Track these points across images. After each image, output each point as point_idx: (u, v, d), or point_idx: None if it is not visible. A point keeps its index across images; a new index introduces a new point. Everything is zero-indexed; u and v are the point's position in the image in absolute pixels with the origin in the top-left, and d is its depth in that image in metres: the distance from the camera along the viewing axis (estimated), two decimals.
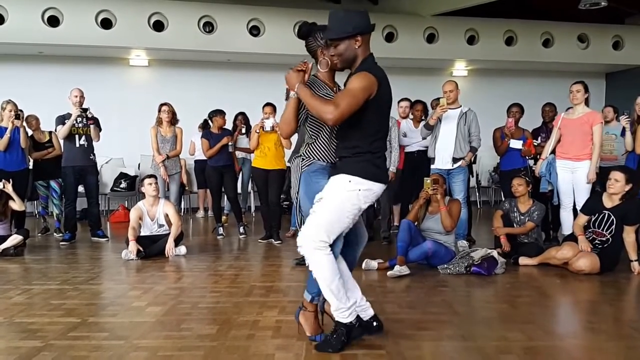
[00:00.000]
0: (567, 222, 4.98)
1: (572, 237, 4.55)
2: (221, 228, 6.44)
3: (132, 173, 8.62)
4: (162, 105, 6.23)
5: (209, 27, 8.44)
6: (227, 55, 8.90)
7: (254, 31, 8.61)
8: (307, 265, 2.65)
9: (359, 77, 2.49)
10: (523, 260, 4.64)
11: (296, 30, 2.83)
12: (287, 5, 8.67)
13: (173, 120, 6.26)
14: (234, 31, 8.49)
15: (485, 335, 2.92)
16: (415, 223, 4.68)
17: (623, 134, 5.36)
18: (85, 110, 5.93)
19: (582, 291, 3.99)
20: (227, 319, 3.22)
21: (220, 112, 6.32)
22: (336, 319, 2.69)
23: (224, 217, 6.93)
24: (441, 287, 4.04)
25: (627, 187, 4.35)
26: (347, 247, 2.78)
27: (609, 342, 2.85)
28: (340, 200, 2.54)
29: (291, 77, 2.65)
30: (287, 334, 2.94)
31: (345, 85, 2.61)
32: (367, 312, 2.81)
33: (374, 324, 2.80)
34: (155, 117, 6.24)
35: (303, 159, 2.77)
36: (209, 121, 6.44)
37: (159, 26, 8.25)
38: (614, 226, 4.35)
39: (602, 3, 6.89)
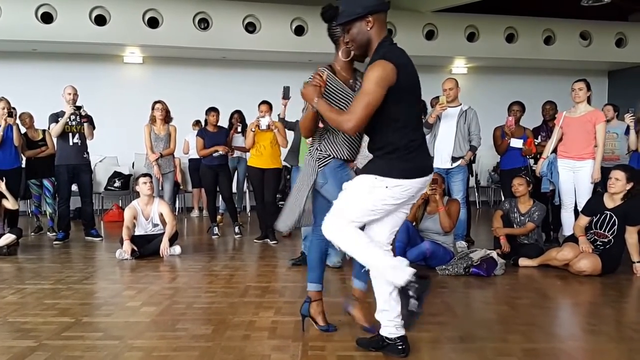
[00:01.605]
0: (568, 223, 4.93)
1: (573, 238, 4.49)
2: (216, 228, 6.37)
3: (126, 172, 8.55)
4: (155, 103, 6.15)
5: (204, 23, 8.37)
6: (223, 52, 8.83)
7: (250, 28, 8.54)
8: (344, 255, 2.62)
9: (372, 70, 2.31)
10: (523, 262, 4.59)
11: (320, 14, 2.70)
12: (284, 2, 8.62)
13: (167, 118, 6.18)
14: (230, 28, 8.42)
15: (485, 337, 2.87)
16: (414, 223, 4.62)
17: (627, 132, 5.32)
18: (78, 108, 5.86)
19: (583, 293, 3.94)
20: (223, 319, 3.17)
21: (214, 110, 6.25)
22: (397, 281, 2.36)
23: (219, 217, 6.86)
24: (440, 288, 3.98)
25: (628, 186, 4.30)
26: None
27: (610, 344, 2.81)
28: (364, 190, 2.40)
29: (308, 92, 2.57)
30: (283, 335, 2.89)
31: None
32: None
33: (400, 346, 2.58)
34: (149, 115, 6.17)
35: (319, 158, 2.77)
36: (206, 119, 6.34)
37: (153, 23, 8.18)
38: (615, 227, 4.30)
39: (605, 0, 6.82)
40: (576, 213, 4.82)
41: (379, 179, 2.37)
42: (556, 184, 5.07)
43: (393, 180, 2.36)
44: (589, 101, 4.98)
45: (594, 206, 4.49)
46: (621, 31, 9.65)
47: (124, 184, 8.29)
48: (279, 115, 6.20)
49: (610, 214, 4.33)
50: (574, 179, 4.94)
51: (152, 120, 6.12)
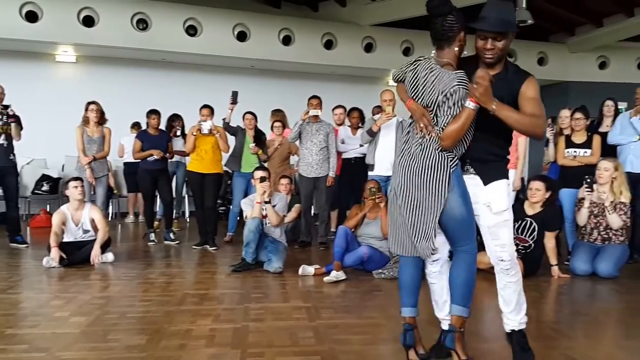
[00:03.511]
0: None
1: None
2: (153, 234, 6.21)
3: (55, 175, 8.16)
4: (89, 103, 5.95)
5: (142, 24, 8.16)
6: (162, 54, 8.65)
7: (191, 31, 8.42)
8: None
9: (535, 83, 2.45)
10: None
11: (429, 5, 2.43)
12: (226, 7, 8.57)
13: (101, 120, 5.99)
14: (170, 30, 8.26)
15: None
16: (352, 230, 4.74)
17: (546, 144, 5.69)
18: (5, 107, 5.58)
19: None
20: (158, 328, 3.11)
21: (155, 112, 6.11)
22: (523, 327, 2.66)
23: (156, 223, 6.70)
24: (376, 291, 4.11)
25: (547, 195, 4.63)
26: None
27: (532, 343, 2.96)
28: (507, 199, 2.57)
29: (486, 94, 2.29)
30: (221, 343, 2.88)
31: (522, 90, 2.43)
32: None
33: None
34: (82, 116, 5.94)
35: (450, 157, 2.43)
36: (147, 121, 6.17)
37: (88, 21, 7.88)
38: (535, 232, 4.60)
39: (529, 21, 7.29)
40: None
41: (508, 183, 2.56)
42: None
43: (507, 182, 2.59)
44: None
45: (515, 213, 4.76)
46: (543, 50, 10.31)
47: (53, 187, 7.93)
48: (224, 119, 6.17)
49: (530, 220, 4.64)
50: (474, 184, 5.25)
51: (85, 121, 5.92)
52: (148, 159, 5.97)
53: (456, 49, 2.42)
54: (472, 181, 2.55)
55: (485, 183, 2.53)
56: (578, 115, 5.19)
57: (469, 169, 2.56)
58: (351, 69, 9.52)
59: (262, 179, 4.90)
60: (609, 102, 5.67)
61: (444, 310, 2.71)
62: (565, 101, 8.44)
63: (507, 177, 2.59)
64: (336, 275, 4.34)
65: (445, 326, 2.70)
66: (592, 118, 5.60)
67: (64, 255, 4.81)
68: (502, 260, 2.58)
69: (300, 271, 4.53)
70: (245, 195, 5.96)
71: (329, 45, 9.08)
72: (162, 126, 6.50)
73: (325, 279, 4.35)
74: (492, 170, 2.54)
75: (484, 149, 2.50)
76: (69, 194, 5.10)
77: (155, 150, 5.96)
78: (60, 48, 8.44)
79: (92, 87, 8.43)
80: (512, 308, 2.64)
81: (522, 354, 2.63)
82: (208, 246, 5.82)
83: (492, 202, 2.51)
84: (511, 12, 2.42)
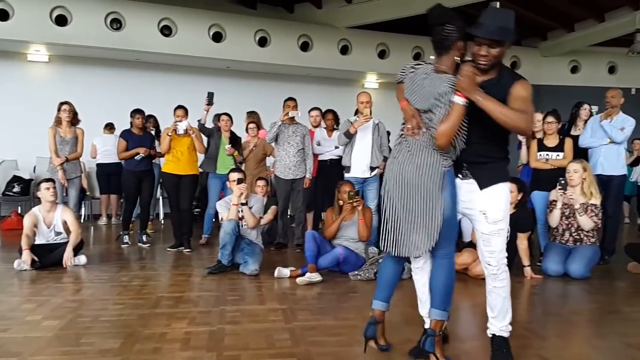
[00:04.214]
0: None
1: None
2: (127, 236, 6.10)
3: (26, 176, 7.98)
4: (62, 104, 5.83)
5: (116, 24, 8.04)
6: (136, 54, 8.53)
7: (166, 31, 8.33)
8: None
9: (527, 86, 2.44)
10: None
11: (430, 14, 2.46)
12: (201, 7, 8.51)
13: (74, 120, 5.88)
14: (144, 30, 8.16)
15: (393, 338, 2.96)
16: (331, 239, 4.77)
17: (519, 147, 5.80)
18: None
19: (481, 295, 4.16)
20: (132, 332, 3.07)
21: (139, 112, 6.03)
22: (505, 334, 2.71)
23: (130, 225, 6.60)
24: (352, 293, 4.13)
25: (519, 196, 4.72)
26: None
27: None
28: (507, 201, 2.60)
29: (467, 83, 2.33)
30: (196, 346, 2.86)
31: (512, 92, 2.42)
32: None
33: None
34: (54, 116, 5.83)
35: (443, 157, 2.48)
36: (131, 121, 6.07)
37: (61, 20, 7.73)
38: (508, 234, 4.66)
39: None
40: None
41: (507, 185, 2.57)
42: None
43: (509, 185, 2.61)
44: None
45: None
46: (515, 55, 10.49)
47: (24, 189, 7.76)
48: (199, 120, 6.13)
49: None
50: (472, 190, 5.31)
51: (58, 122, 5.80)
52: (135, 157, 5.89)
53: (455, 57, 2.46)
54: (469, 186, 2.58)
55: (482, 187, 2.54)
56: (550, 118, 5.28)
57: (467, 174, 2.57)
58: (327, 71, 9.55)
59: (239, 181, 4.88)
60: (587, 106, 5.80)
61: (427, 306, 2.75)
62: (537, 105, 8.58)
63: (506, 180, 2.60)
64: (309, 276, 4.34)
65: (427, 325, 2.74)
66: (564, 122, 5.73)
67: (35, 258, 4.72)
68: (489, 264, 2.63)
69: (276, 273, 4.52)
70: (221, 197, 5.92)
71: (305, 47, 9.09)
72: None
73: (298, 279, 4.35)
74: (490, 172, 2.56)
75: (480, 151, 2.52)
76: (40, 196, 5.01)
77: (141, 148, 5.89)
78: (32, 47, 8.26)
79: (64, 87, 8.28)
80: (495, 314, 2.69)
81: (500, 357, 2.67)
82: (183, 248, 5.76)
83: (488, 212, 2.54)
84: (510, 21, 2.39)
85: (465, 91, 2.34)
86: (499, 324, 2.69)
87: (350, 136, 5.46)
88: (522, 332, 3.24)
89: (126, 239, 6.08)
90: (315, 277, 4.36)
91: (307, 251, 4.52)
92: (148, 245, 6.03)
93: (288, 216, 6.29)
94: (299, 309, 3.61)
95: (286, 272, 4.56)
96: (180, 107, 5.79)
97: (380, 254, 5.10)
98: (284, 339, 2.99)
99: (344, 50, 9.42)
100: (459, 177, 2.59)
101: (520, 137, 5.75)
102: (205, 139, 6.20)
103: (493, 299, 2.67)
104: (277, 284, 4.38)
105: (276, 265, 4.69)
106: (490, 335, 2.74)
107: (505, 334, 2.71)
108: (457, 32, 2.43)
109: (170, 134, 5.68)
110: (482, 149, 2.53)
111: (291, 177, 5.93)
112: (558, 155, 5.19)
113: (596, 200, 4.78)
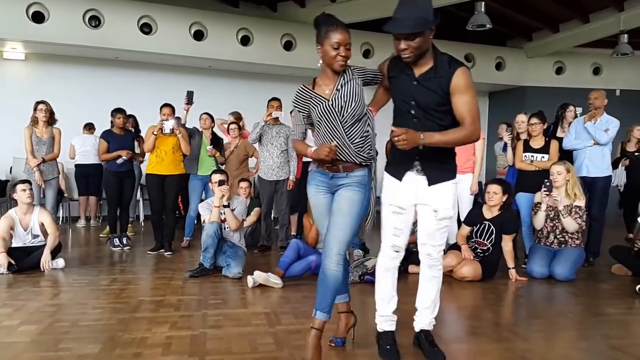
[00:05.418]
0: (452, 232, 5.28)
1: (456, 246, 4.84)
2: (117, 239, 5.95)
3: (2, 177, 7.85)
4: (38, 103, 5.70)
5: (95, 21, 7.89)
6: (115, 52, 8.39)
7: (145, 29, 8.19)
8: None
9: (466, 75, 2.37)
10: (412, 269, 4.82)
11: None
12: (182, 5, 8.40)
13: (51, 120, 5.74)
14: (123, 28, 8.02)
15: (375, 342, 2.96)
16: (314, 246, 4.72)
17: (504, 149, 5.82)
18: None
19: (466, 297, 4.24)
20: (111, 336, 3.01)
21: (120, 111, 5.90)
22: (427, 328, 2.79)
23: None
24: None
25: (504, 198, 4.73)
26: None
27: (490, 345, 3.05)
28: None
29: (411, 138, 2.34)
30: (178, 351, 2.80)
31: (451, 85, 2.38)
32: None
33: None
34: (31, 116, 5.68)
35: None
36: (112, 121, 5.93)
37: (38, 17, 7.56)
38: (493, 236, 4.69)
39: (487, 25, 7.44)
40: (459, 223, 5.16)
41: (455, 182, 2.62)
42: None
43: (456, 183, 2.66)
44: None
45: (474, 217, 4.87)
46: (500, 55, 10.58)
47: (0, 190, 7.57)
48: (179, 119, 6.02)
49: (488, 224, 4.73)
50: (456, 192, 5.33)
51: (34, 122, 5.67)
52: (116, 161, 5.76)
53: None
54: (416, 179, 2.59)
55: (430, 183, 2.57)
56: (534, 120, 5.28)
57: (417, 166, 2.57)
58: (311, 71, 9.31)
59: (221, 182, 4.80)
60: (572, 107, 5.84)
61: (391, 304, 2.82)
62: (522, 106, 8.66)
63: (453, 178, 2.63)
64: (269, 275, 4.21)
65: (388, 326, 2.79)
66: (549, 123, 5.76)
67: (12, 262, 4.63)
68: (429, 255, 2.72)
69: (250, 283, 4.28)
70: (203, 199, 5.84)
71: (288, 46, 9.03)
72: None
73: (255, 272, 4.22)
74: (439, 170, 2.57)
75: (431, 149, 2.47)
76: (17, 198, 4.91)
77: (123, 150, 5.77)
78: (8, 45, 8.08)
79: (41, 86, 8.13)
80: (428, 304, 2.78)
81: (434, 352, 2.72)
82: (164, 251, 5.66)
83: (439, 209, 2.59)
84: (424, 9, 2.32)
85: (411, 146, 2.36)
86: (430, 315, 2.79)
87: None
88: (506, 335, 3.25)
89: (117, 241, 5.93)
90: (275, 279, 4.23)
91: (284, 257, 4.48)
92: (128, 247, 5.92)
93: (272, 218, 6.22)
94: (283, 313, 3.57)
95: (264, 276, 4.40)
96: (166, 105, 5.68)
97: (365, 256, 5.07)
98: (268, 343, 2.95)
99: None
100: (413, 171, 2.60)
101: (505, 139, 5.78)
102: None
103: (429, 289, 2.78)
104: (261, 287, 4.32)
105: (259, 268, 4.58)
106: (419, 330, 2.81)
107: (431, 328, 2.82)
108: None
109: (156, 132, 5.57)
110: (434, 148, 2.47)
111: (275, 178, 5.87)
112: (543, 157, 5.20)
113: (580, 202, 4.80)
